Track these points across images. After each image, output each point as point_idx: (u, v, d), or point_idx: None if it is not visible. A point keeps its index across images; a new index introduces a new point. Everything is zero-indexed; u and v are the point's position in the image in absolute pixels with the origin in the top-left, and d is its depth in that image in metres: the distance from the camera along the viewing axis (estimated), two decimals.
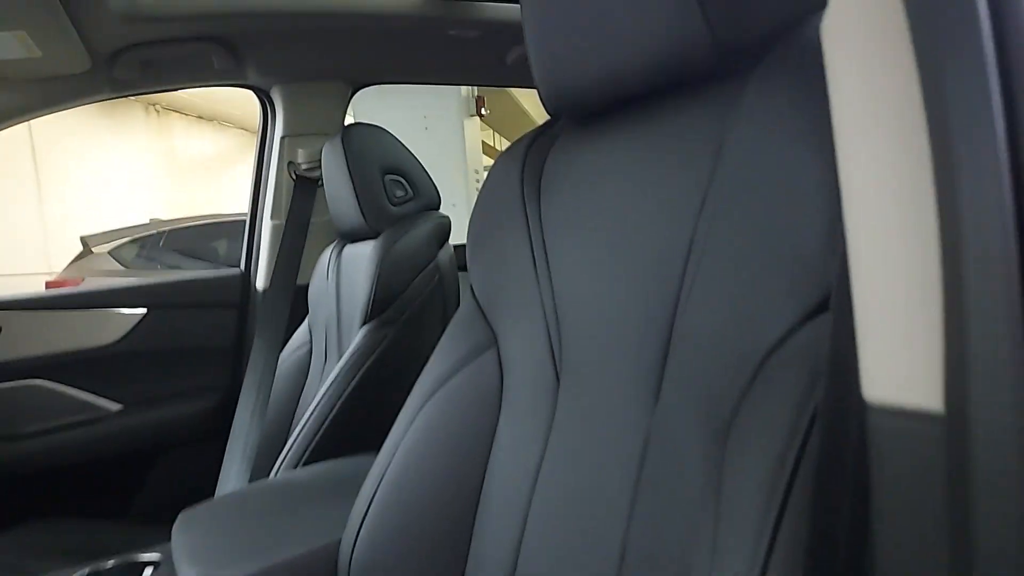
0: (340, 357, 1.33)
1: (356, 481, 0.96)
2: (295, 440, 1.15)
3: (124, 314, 1.53)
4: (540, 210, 0.68)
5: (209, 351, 1.61)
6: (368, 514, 0.73)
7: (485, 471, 0.68)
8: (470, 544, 0.67)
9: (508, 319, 0.70)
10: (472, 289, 0.76)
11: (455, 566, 0.67)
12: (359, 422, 1.16)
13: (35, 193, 6.10)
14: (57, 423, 1.47)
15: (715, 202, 0.50)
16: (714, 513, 0.44)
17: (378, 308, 1.19)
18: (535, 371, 0.66)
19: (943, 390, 0.23)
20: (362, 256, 1.27)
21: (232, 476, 1.17)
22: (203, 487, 1.50)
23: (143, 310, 1.54)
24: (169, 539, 0.91)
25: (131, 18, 1.11)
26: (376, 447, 1.08)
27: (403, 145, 1.36)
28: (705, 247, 0.49)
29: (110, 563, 0.90)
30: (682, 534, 0.48)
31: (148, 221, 5.26)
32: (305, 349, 1.50)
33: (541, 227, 0.67)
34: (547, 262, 0.66)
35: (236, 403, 1.58)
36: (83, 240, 4.77)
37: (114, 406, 1.52)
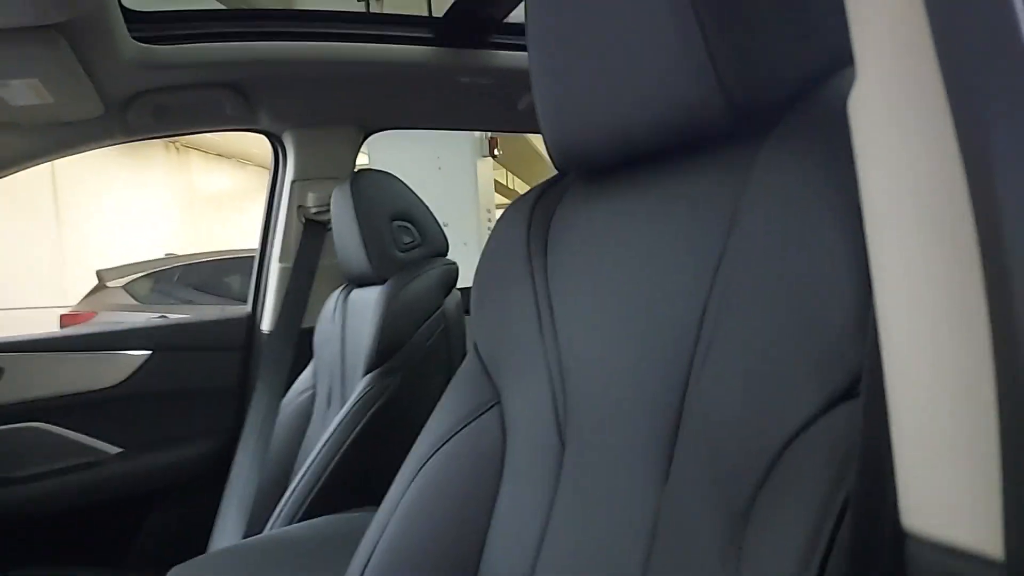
0: (343, 403, 1.30)
1: (353, 539, 0.93)
2: (293, 492, 1.12)
3: (128, 356, 1.51)
4: (547, 267, 0.66)
5: (212, 393, 1.59)
6: (365, 564, 0.70)
7: (486, 538, 0.65)
8: None
9: (512, 377, 0.68)
10: (476, 345, 0.74)
11: None
12: (359, 475, 1.12)
13: (54, 227, 6.19)
14: (55, 466, 1.44)
15: (729, 271, 0.47)
16: None
17: (382, 356, 1.16)
18: (538, 434, 0.63)
19: (1002, 527, 0.19)
20: (368, 301, 1.25)
21: (228, 528, 1.13)
22: (200, 534, 1.46)
23: (148, 352, 1.52)
24: None
25: (144, 66, 1.12)
26: (376, 501, 1.04)
27: (412, 191, 1.35)
28: (718, 318, 0.46)
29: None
30: None
31: (163, 256, 5.31)
32: (308, 394, 1.47)
33: (547, 284, 0.65)
34: (553, 320, 0.63)
35: (238, 446, 1.55)
36: (98, 274, 4.81)
37: (114, 449, 1.49)
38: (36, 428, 1.43)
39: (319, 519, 0.99)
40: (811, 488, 0.36)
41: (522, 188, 7.50)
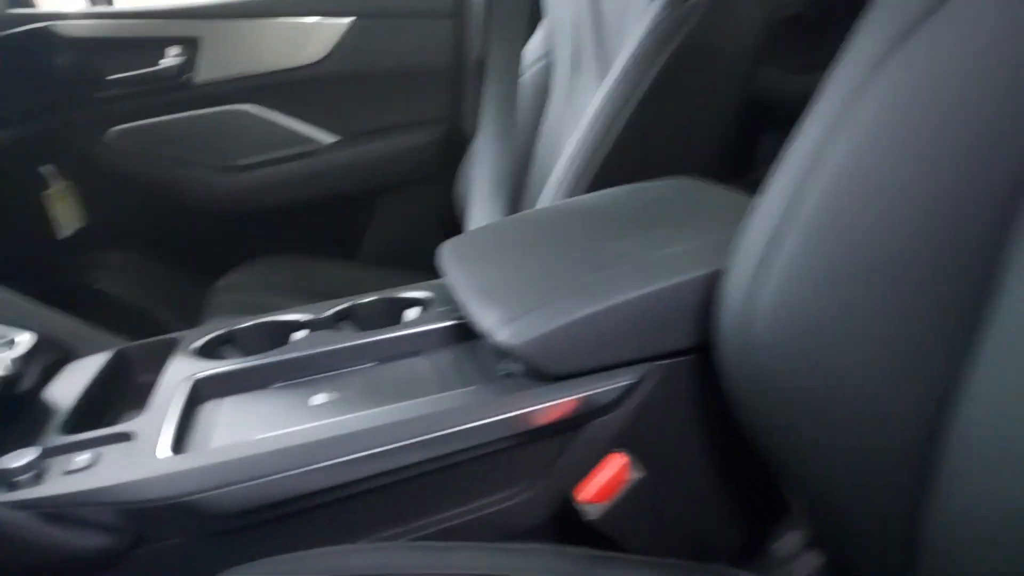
0: (601, 64, 1.00)
1: (672, 205, 0.68)
2: (566, 166, 0.88)
3: (329, 25, 1.28)
4: None
5: (424, 74, 1.35)
6: (776, 251, 0.44)
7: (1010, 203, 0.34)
8: (972, 337, 0.34)
9: None
10: None
11: (940, 371, 0.35)
12: (658, 135, 0.86)
13: None
14: (272, 156, 1.32)
15: None
16: None
17: None
18: None
19: None
20: None
21: (484, 211, 0.94)
22: (435, 229, 1.32)
23: (350, 19, 1.28)
24: (411, 281, 0.72)
25: None
26: (690, 167, 0.78)
27: None
28: None
29: (368, 299, 0.72)
30: None
31: None
32: (542, 64, 1.18)
33: None
34: None
35: (460, 136, 1.35)
36: None
37: (329, 137, 1.33)
38: (246, 111, 1.29)
39: (614, 189, 0.75)
40: None
41: None
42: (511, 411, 0.51)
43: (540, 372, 0.53)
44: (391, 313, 0.72)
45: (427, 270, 1.25)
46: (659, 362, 0.54)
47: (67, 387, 0.60)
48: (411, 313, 0.72)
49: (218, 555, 0.50)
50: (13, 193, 1.18)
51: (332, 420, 0.51)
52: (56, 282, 1.19)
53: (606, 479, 0.50)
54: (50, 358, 0.67)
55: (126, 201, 1.31)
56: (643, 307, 0.52)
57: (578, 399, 0.52)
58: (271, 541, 0.51)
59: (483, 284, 0.59)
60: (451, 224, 1.20)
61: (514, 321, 0.52)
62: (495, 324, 0.53)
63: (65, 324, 0.72)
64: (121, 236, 1.32)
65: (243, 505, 0.48)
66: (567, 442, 0.54)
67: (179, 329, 1.06)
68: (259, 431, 0.53)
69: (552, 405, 0.52)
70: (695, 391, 0.55)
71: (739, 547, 0.58)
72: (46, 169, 1.21)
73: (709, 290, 0.51)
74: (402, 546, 0.50)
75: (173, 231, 1.35)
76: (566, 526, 0.55)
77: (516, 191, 1.11)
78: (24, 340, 0.58)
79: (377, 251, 1.37)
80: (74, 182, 1.25)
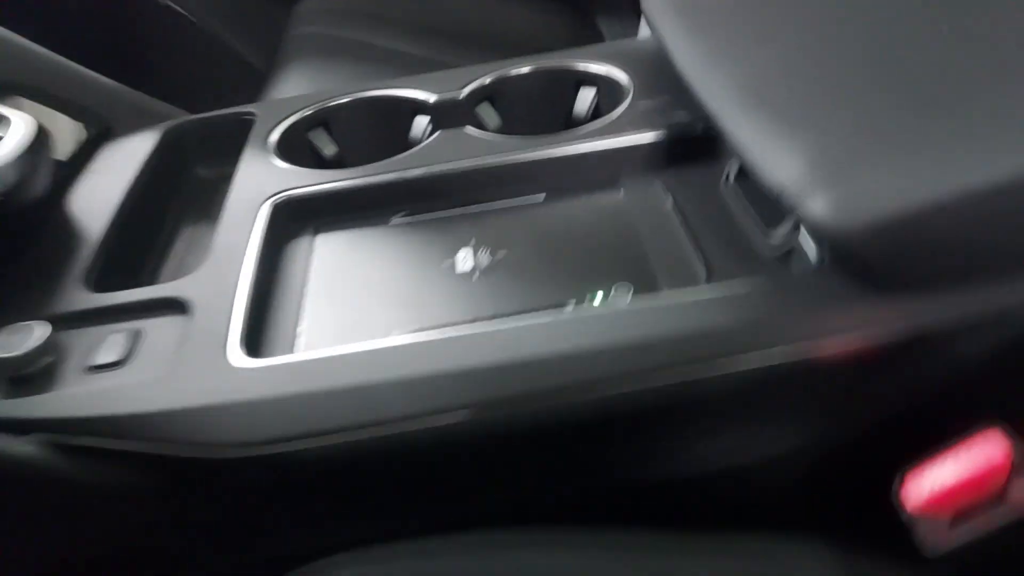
0: None
1: None
2: None
3: None
4: None
5: None
6: None
7: None
8: None
9: None
10: None
11: None
12: None
13: None
14: None
15: None
16: None
17: None
18: None
19: None
20: None
21: None
22: None
23: None
24: (561, 23, 0.48)
25: None
26: None
27: None
28: None
29: (521, 68, 0.47)
30: None
31: None
32: None
33: None
34: None
35: None
36: None
37: None
38: None
39: None
40: None
41: None
42: (812, 336, 0.29)
43: (870, 273, 0.29)
44: (563, 97, 0.47)
45: (582, 11, 0.91)
46: None
47: (94, 198, 0.41)
48: (587, 97, 0.47)
49: (304, 506, 0.34)
50: None
51: (503, 325, 0.30)
52: None
53: (963, 476, 0.29)
54: (80, 138, 0.47)
55: None
56: None
57: (926, 324, 0.29)
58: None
59: (754, 77, 0.32)
60: None
61: (848, 181, 0.27)
62: (802, 177, 0.28)
63: (97, 86, 0.51)
64: None
65: (358, 457, 0.30)
66: (872, 375, 0.32)
67: (250, 64, 0.84)
68: (384, 322, 0.33)
69: (884, 330, 0.29)
70: None
71: None
72: None
73: None
74: (580, 541, 0.31)
75: None
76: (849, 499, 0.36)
77: None
78: (22, 126, 0.37)
79: None
80: None
